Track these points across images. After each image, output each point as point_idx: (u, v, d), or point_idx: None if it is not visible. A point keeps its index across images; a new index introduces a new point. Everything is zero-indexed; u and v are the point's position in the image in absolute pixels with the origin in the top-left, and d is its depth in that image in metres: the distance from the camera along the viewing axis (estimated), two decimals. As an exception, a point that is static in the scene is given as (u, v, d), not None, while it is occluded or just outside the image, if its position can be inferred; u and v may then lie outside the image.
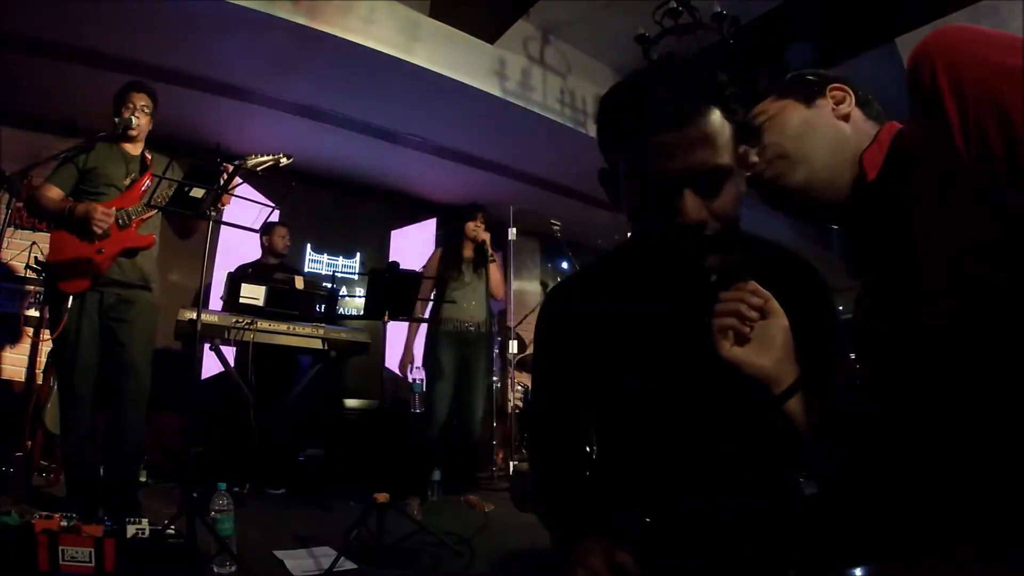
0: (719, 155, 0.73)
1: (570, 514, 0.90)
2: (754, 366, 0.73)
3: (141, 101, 2.50)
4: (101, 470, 2.43)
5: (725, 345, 0.74)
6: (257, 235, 3.88)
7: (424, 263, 3.60)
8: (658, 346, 0.85)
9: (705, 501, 0.81)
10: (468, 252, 3.54)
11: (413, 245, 5.57)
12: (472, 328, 3.43)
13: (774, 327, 0.74)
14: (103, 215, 2.30)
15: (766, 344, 0.74)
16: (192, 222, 2.53)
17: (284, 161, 2.41)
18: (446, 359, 3.34)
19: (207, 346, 3.16)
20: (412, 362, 3.53)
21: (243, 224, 2.47)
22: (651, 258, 0.84)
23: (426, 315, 3.40)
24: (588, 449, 0.98)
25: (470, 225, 3.50)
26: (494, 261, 3.53)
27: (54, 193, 2.38)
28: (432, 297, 3.38)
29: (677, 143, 0.71)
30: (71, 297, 2.34)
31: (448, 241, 3.68)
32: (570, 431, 0.96)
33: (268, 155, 2.38)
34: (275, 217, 3.16)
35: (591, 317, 0.90)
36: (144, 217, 2.44)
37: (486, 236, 3.52)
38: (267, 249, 3.98)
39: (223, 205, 2.32)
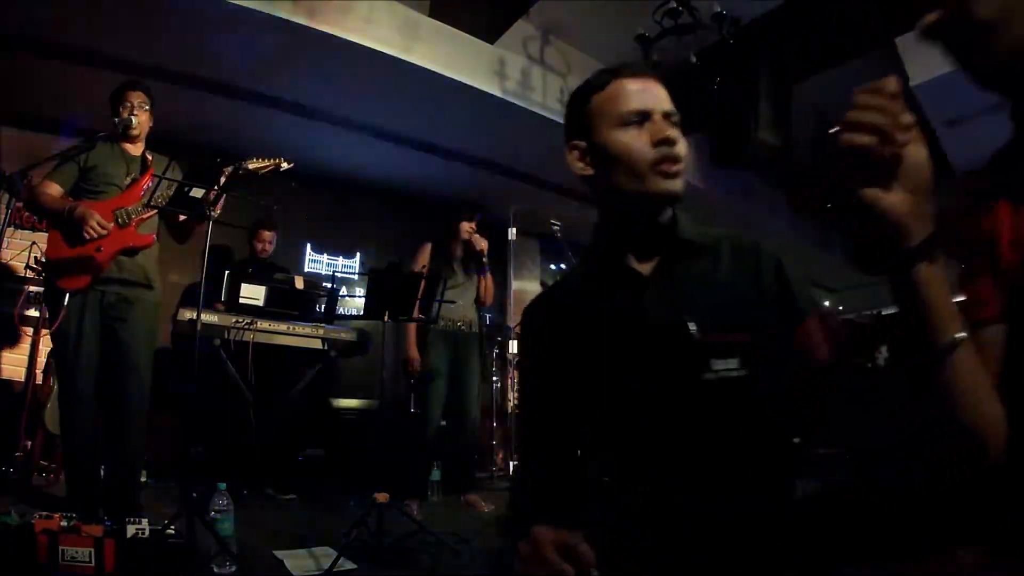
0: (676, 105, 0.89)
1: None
2: (883, 206, 0.53)
3: (138, 99, 2.50)
4: (101, 470, 2.43)
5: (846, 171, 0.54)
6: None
7: (414, 258, 3.41)
8: (647, 343, 0.85)
9: (704, 501, 0.80)
10: (459, 252, 3.46)
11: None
12: (464, 327, 3.41)
13: (914, 158, 0.54)
14: (97, 225, 2.28)
15: (902, 179, 0.54)
16: (190, 226, 2.52)
17: (284, 166, 2.40)
18: (439, 359, 3.31)
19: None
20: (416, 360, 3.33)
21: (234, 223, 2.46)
22: (623, 210, 0.94)
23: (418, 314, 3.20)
24: (578, 453, 0.97)
25: (465, 226, 3.42)
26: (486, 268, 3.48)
27: (54, 190, 2.38)
28: (422, 296, 3.02)
29: (647, 85, 0.89)
30: (67, 294, 2.32)
31: (439, 237, 3.51)
32: (559, 437, 0.95)
33: (268, 159, 2.37)
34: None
35: (575, 318, 0.91)
36: (144, 217, 2.44)
37: (484, 245, 3.42)
38: (251, 250, 3.91)
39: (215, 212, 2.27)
